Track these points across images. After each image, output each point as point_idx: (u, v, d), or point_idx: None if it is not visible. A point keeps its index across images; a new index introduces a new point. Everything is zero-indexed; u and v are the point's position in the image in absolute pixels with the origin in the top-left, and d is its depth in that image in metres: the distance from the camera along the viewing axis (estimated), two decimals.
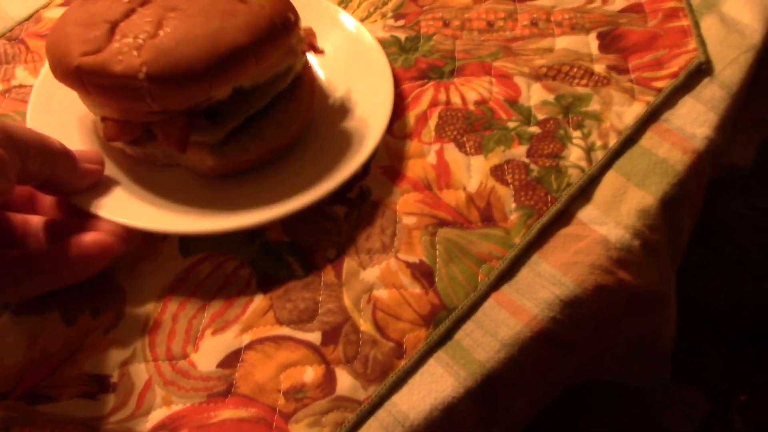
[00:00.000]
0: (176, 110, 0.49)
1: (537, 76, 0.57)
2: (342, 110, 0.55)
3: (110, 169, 0.52)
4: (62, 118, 0.55)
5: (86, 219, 0.48)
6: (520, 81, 0.57)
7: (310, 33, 0.54)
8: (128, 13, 0.49)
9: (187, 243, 0.50)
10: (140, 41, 0.47)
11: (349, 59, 0.58)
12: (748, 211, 1.21)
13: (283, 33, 0.49)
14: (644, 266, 0.49)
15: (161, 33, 0.47)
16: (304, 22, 0.53)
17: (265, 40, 0.48)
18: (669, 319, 0.54)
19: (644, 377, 0.57)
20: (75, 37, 0.48)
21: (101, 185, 0.51)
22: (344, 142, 0.52)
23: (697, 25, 0.59)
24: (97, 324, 0.47)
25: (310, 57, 0.58)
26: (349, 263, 0.48)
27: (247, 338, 0.46)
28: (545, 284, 0.47)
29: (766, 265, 1.14)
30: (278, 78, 0.52)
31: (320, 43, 0.54)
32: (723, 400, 0.98)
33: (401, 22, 0.62)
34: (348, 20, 0.59)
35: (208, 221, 0.49)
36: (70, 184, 0.48)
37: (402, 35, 0.61)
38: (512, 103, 0.56)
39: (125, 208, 0.49)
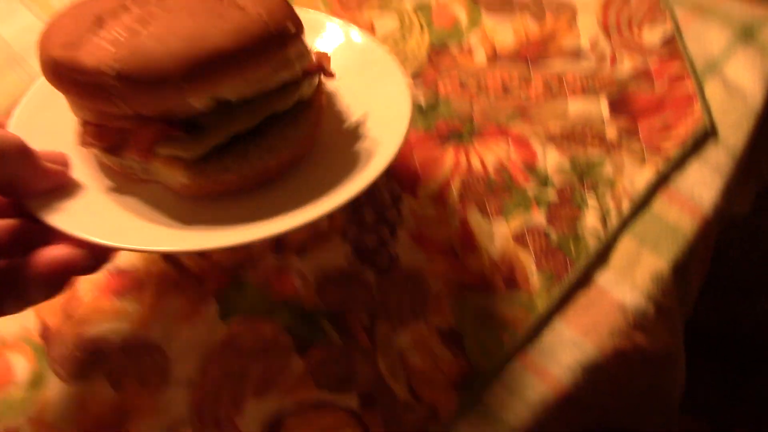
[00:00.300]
0: (150, 116, 0.47)
1: (552, 140, 0.60)
2: (351, 136, 0.54)
3: (84, 179, 0.50)
4: (50, 124, 0.54)
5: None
6: (535, 144, 0.60)
7: (324, 57, 0.53)
8: (117, 11, 0.49)
9: (226, 307, 0.53)
10: (120, 38, 0.46)
11: (364, 78, 0.57)
12: (738, 226, 1.25)
13: (278, 43, 0.47)
14: (658, 329, 0.52)
15: (144, 32, 0.46)
16: (322, 45, 0.53)
17: (252, 48, 0.46)
18: (678, 373, 0.58)
19: (653, 425, 0.61)
20: (60, 30, 0.48)
21: (64, 193, 0.48)
22: (349, 168, 0.51)
23: (701, 89, 0.63)
24: (143, 389, 0.50)
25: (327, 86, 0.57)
26: (382, 329, 0.51)
27: (288, 403, 0.49)
28: (567, 348, 0.50)
29: (759, 282, 1.18)
30: (274, 97, 0.50)
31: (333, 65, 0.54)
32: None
33: (419, 83, 0.65)
34: (357, 34, 0.59)
35: (177, 240, 0.46)
36: (30, 185, 0.44)
37: (421, 97, 0.64)
38: (529, 167, 0.59)
39: (85, 219, 0.46)
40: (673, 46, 0.66)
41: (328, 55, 0.54)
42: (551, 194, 0.57)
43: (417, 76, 0.65)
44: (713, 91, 0.63)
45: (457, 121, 0.62)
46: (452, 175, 0.59)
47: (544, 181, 0.58)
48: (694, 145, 0.59)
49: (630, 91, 0.63)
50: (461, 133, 0.61)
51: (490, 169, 0.59)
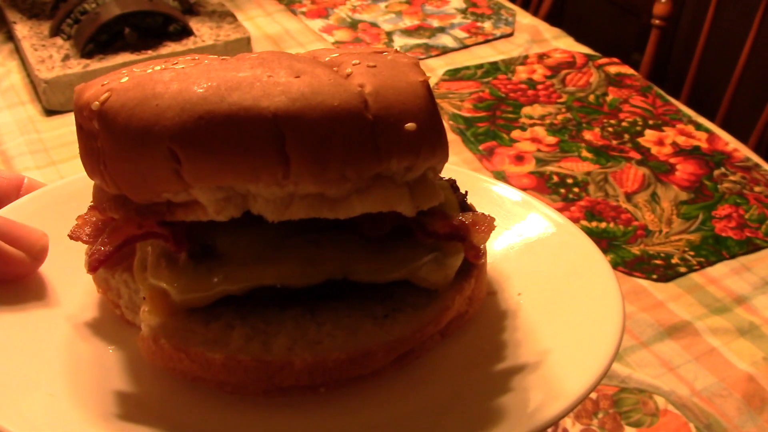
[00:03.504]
0: (142, 208, 0.39)
1: None
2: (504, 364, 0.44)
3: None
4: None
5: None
6: None
7: (481, 220, 0.41)
8: (167, 63, 0.42)
9: None
10: (127, 81, 0.39)
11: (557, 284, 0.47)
12: None
13: (368, 138, 0.34)
14: None
15: (162, 80, 0.38)
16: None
17: (311, 123, 0.34)
18: None
19: None
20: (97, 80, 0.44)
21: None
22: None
23: None
24: None
25: None
26: None
27: None
28: None
29: None
30: (357, 251, 0.40)
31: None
32: None
33: None
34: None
35: None
36: None
37: None
38: None
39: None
40: None
41: (490, 217, 0.42)
42: None
43: None
44: None
45: None
46: None
47: None
48: None
49: None
50: None
51: None
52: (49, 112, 1.42)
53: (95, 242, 0.43)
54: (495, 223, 0.43)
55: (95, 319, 0.48)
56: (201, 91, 0.34)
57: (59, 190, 0.53)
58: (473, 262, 0.44)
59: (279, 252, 0.40)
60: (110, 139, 0.37)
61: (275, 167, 0.36)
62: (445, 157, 0.40)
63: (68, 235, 0.45)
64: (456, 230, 0.41)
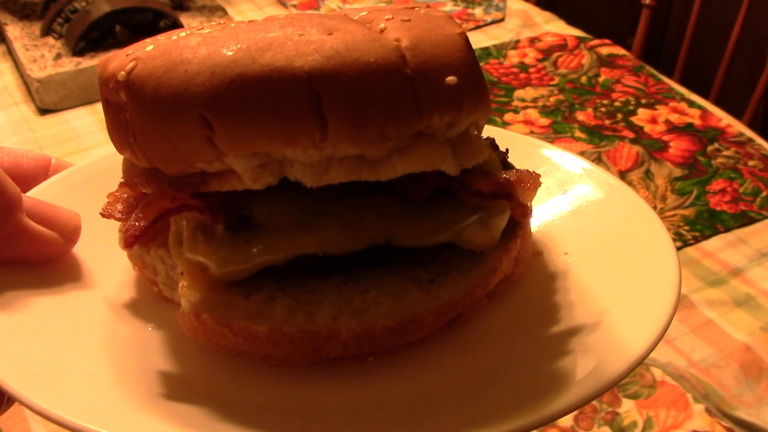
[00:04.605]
0: (173, 180, 0.38)
1: None
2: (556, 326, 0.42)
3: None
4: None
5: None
6: None
7: (525, 177, 0.40)
8: (191, 30, 0.41)
9: None
10: (152, 51, 0.37)
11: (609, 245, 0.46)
12: None
13: (408, 94, 0.33)
14: None
15: (189, 47, 0.37)
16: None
17: (349, 84, 0.33)
18: None
19: None
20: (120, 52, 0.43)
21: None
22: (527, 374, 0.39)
23: None
24: None
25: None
26: None
27: None
28: None
29: None
30: (399, 211, 0.39)
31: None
32: None
33: None
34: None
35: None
36: None
37: None
38: None
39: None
40: None
41: (539, 179, 0.41)
42: None
43: None
44: None
45: None
46: None
47: None
48: None
49: None
50: None
51: None
52: (43, 111, 1.39)
53: (128, 219, 0.42)
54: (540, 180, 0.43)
55: (132, 298, 0.47)
56: (231, 53, 0.34)
57: (88, 168, 0.52)
58: (521, 220, 0.43)
59: (318, 219, 0.39)
60: (139, 110, 0.36)
61: (312, 129, 0.35)
62: (487, 112, 0.39)
63: (100, 213, 0.44)
64: (501, 188, 0.40)
